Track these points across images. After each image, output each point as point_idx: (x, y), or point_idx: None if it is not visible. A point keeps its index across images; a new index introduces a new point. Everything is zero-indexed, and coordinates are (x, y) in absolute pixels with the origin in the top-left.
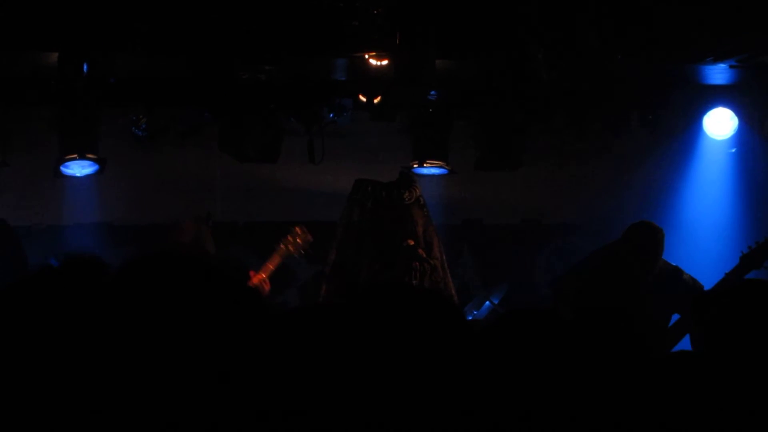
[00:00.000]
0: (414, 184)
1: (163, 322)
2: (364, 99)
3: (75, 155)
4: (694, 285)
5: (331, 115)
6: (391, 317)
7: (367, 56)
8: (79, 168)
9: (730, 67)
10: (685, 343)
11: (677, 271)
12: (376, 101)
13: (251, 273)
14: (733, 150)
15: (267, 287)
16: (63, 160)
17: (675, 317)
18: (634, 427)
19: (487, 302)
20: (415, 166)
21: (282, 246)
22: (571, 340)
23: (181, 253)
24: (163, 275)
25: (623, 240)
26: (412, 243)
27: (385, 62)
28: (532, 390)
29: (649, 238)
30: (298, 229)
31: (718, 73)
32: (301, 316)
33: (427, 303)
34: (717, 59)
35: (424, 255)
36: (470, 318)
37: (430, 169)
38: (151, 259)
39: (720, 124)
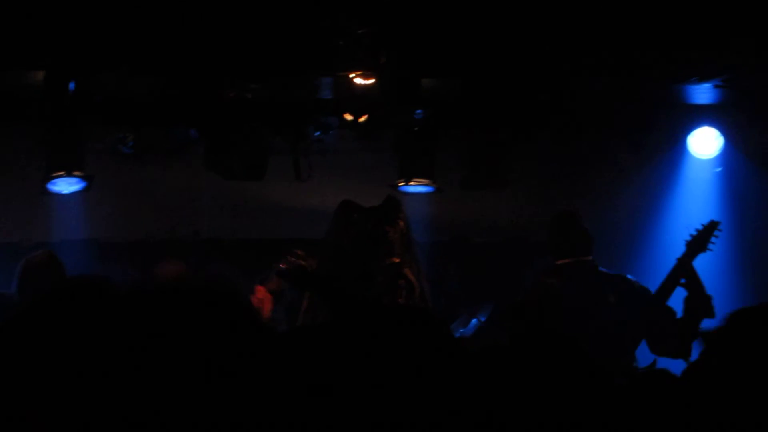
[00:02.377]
0: (399, 216)
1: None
2: (350, 118)
3: (62, 172)
4: (642, 290)
5: (317, 134)
6: (381, 336)
7: (352, 75)
8: (66, 185)
9: (715, 87)
10: (642, 349)
11: (623, 279)
12: (362, 120)
13: (257, 287)
14: (719, 169)
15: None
16: (50, 178)
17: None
18: None
19: (474, 320)
20: (401, 184)
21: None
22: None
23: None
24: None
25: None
26: (397, 261)
27: (371, 81)
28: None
29: (558, 222)
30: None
31: (702, 93)
32: (293, 337)
33: (415, 321)
34: (702, 79)
35: (410, 274)
36: (457, 336)
37: (416, 187)
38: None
39: (705, 143)
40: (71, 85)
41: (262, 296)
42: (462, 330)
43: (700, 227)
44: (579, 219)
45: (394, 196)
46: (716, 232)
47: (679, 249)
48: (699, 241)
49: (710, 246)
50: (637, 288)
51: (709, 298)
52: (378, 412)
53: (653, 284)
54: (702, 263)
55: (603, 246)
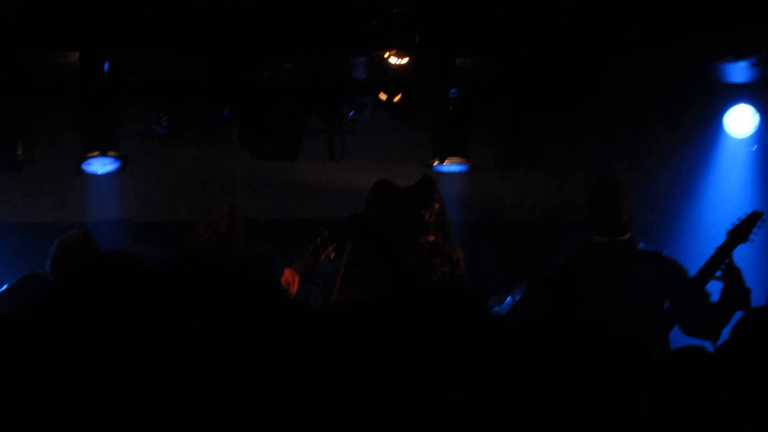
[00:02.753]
0: (434, 198)
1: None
2: (384, 97)
3: (97, 152)
4: (677, 268)
5: (351, 113)
6: (418, 313)
7: (387, 54)
8: (100, 165)
9: (751, 65)
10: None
11: (658, 255)
12: (396, 99)
13: (285, 270)
14: (755, 148)
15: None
16: (85, 158)
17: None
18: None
19: (509, 298)
20: (435, 163)
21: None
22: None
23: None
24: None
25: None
26: (432, 239)
27: (405, 60)
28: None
29: (600, 196)
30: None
31: (738, 72)
32: (328, 314)
33: (453, 299)
34: (738, 57)
35: (447, 251)
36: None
37: (450, 167)
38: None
39: (741, 122)
40: (106, 66)
41: (290, 278)
42: (497, 308)
43: (742, 216)
44: (621, 192)
45: (429, 176)
46: (759, 223)
47: (715, 228)
48: (740, 231)
49: (752, 237)
50: (672, 266)
51: (747, 291)
52: (413, 383)
53: (688, 262)
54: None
55: (638, 224)
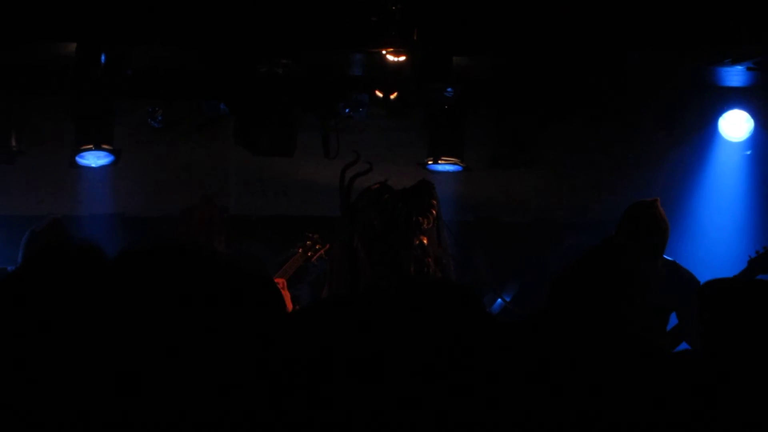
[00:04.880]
0: (431, 205)
1: (163, 316)
2: (380, 95)
3: (90, 146)
4: (690, 280)
5: (347, 111)
6: (412, 309)
7: (384, 52)
8: (94, 158)
9: (747, 69)
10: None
11: (674, 265)
12: (392, 97)
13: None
14: (749, 152)
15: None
16: (78, 151)
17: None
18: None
19: (499, 300)
20: (429, 162)
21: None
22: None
23: (183, 246)
24: (164, 267)
25: (618, 227)
26: (426, 241)
27: (402, 58)
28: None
29: (641, 214)
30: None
31: (734, 75)
32: (320, 311)
33: (448, 295)
34: (734, 61)
35: (440, 250)
36: None
37: (444, 166)
38: (151, 252)
39: (736, 126)
40: (102, 58)
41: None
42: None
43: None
44: (656, 219)
45: (427, 180)
46: None
47: (709, 231)
48: (764, 261)
49: None
50: (686, 277)
51: None
52: (407, 382)
53: (682, 263)
54: (724, 246)
55: None
